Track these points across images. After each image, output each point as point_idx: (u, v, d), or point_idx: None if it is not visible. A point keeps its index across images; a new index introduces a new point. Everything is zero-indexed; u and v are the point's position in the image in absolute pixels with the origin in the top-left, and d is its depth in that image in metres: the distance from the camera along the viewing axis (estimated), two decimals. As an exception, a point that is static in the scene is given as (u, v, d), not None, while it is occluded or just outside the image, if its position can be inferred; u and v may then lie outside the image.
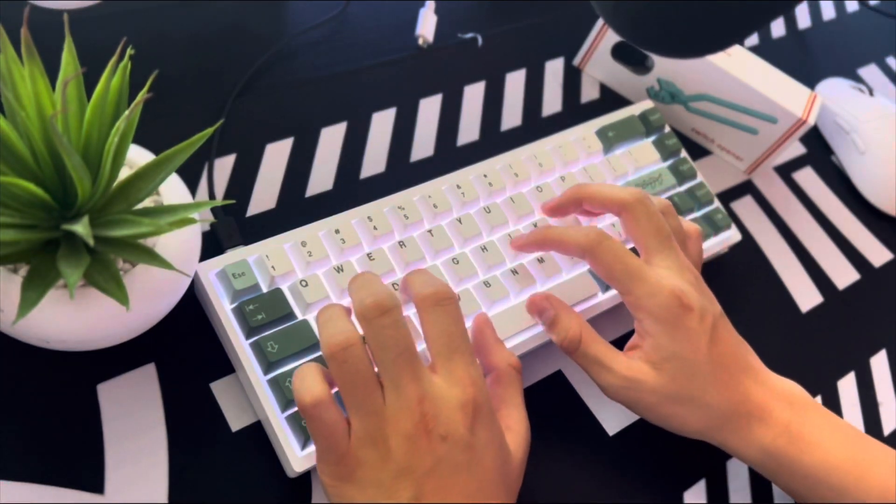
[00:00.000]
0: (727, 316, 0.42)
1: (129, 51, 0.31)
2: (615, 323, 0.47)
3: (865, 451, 0.40)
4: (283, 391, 0.37)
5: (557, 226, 0.44)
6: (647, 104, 0.55)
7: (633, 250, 0.45)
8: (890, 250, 0.61)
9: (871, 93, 0.67)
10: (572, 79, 0.60)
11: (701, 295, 0.41)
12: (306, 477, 0.38)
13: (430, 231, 0.44)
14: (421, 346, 0.37)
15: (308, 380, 0.33)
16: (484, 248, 0.44)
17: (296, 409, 0.37)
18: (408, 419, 0.32)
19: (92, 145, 0.31)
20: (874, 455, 0.40)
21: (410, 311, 0.40)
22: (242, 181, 0.47)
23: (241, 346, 0.38)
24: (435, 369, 0.35)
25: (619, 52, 0.59)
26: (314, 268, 0.41)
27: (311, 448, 0.37)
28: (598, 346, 0.41)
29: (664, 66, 0.57)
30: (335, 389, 0.35)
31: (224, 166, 0.47)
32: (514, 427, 0.37)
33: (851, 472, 0.39)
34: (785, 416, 0.40)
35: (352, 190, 0.49)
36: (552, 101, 0.58)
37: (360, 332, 0.34)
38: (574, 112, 0.58)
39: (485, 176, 0.46)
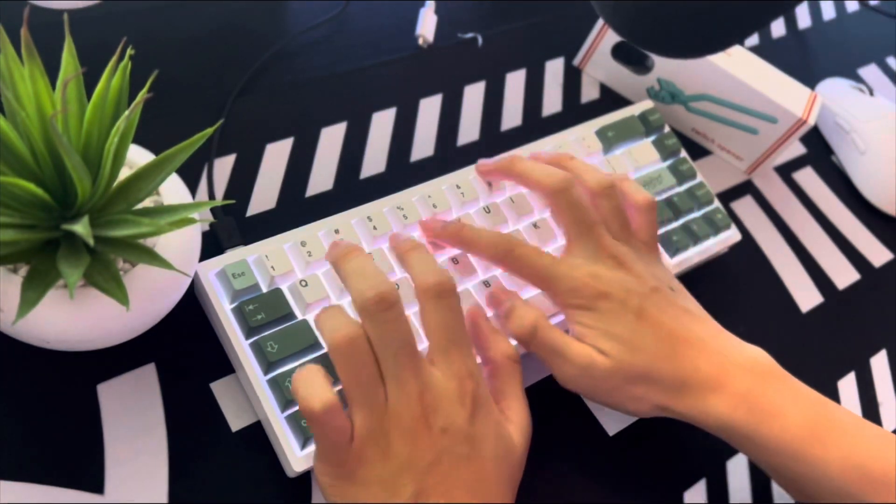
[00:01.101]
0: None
1: (129, 51, 0.31)
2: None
3: (825, 418, 0.39)
4: (283, 391, 0.37)
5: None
6: (647, 104, 0.55)
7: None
8: (890, 250, 0.61)
9: (871, 93, 0.67)
10: (572, 79, 0.60)
11: (625, 275, 0.40)
12: (306, 477, 0.38)
13: (430, 231, 0.44)
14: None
15: (315, 385, 0.32)
16: (484, 248, 0.44)
17: (296, 409, 0.37)
18: (409, 414, 0.32)
19: (92, 145, 0.31)
20: (834, 421, 0.39)
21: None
22: (242, 181, 0.47)
23: (240, 346, 0.38)
24: (433, 361, 0.35)
25: (619, 52, 0.59)
26: (314, 268, 0.41)
27: (311, 448, 0.37)
28: (554, 335, 0.40)
29: (664, 66, 0.57)
30: (338, 387, 0.35)
31: (224, 166, 0.47)
32: (515, 419, 0.37)
33: (810, 441, 0.38)
34: (743, 386, 0.39)
35: (352, 190, 0.49)
36: (552, 101, 0.58)
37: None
38: (574, 112, 0.58)
39: (485, 176, 0.46)
